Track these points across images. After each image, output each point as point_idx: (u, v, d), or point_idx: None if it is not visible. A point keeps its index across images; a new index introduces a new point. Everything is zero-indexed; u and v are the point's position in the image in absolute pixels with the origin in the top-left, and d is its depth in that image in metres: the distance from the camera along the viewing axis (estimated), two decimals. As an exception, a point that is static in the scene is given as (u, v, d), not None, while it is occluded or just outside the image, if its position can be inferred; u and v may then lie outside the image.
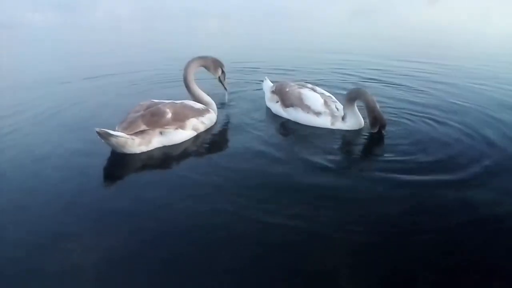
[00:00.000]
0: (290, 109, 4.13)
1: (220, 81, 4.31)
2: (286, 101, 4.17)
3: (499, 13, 16.80)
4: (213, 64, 4.18)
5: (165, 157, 3.39)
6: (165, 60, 6.91)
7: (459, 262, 2.19)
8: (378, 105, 3.62)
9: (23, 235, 2.39)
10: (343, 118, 3.86)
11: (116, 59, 7.51)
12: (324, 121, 3.91)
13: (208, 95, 4.18)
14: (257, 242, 2.34)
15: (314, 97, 4.04)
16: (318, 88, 4.25)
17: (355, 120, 3.83)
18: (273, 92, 4.40)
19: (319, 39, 10.27)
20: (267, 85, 4.62)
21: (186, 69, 4.10)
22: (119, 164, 3.30)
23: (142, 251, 2.26)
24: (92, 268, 2.14)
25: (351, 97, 3.76)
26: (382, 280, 2.08)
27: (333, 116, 3.89)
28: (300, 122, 4.07)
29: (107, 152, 3.37)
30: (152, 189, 2.89)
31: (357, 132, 3.84)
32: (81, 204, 2.69)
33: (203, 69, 4.22)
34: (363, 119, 3.86)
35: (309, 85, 4.29)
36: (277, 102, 4.29)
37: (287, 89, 4.21)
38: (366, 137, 3.77)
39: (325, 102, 3.99)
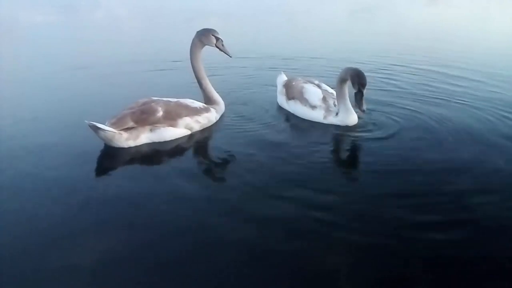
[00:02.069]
0: (291, 102, 4.21)
1: (219, 49, 4.02)
2: (289, 94, 4.26)
3: (499, 12, 16.83)
4: (203, 37, 3.97)
5: (158, 154, 3.39)
6: (167, 57, 6.87)
7: (459, 262, 2.15)
8: (360, 70, 3.58)
9: (20, 235, 2.37)
10: (337, 114, 3.87)
11: (116, 56, 7.53)
12: (317, 115, 3.94)
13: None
14: (256, 241, 2.31)
15: (313, 91, 4.10)
16: (323, 85, 4.28)
17: (347, 116, 3.83)
18: (284, 86, 4.49)
19: (320, 36, 10.25)
20: (281, 79, 4.70)
21: (192, 63, 4.06)
22: (113, 159, 3.32)
23: (141, 250, 2.23)
24: (92, 268, 2.10)
25: (340, 79, 3.72)
26: (382, 280, 2.05)
27: (327, 110, 3.93)
28: (297, 114, 4.14)
29: (101, 146, 3.39)
30: (149, 186, 2.86)
31: (350, 128, 3.80)
32: (78, 203, 2.65)
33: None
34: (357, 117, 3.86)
35: (316, 81, 4.35)
36: (285, 95, 4.38)
37: (293, 83, 4.30)
38: (359, 133, 3.73)
39: (324, 98, 4.02)
